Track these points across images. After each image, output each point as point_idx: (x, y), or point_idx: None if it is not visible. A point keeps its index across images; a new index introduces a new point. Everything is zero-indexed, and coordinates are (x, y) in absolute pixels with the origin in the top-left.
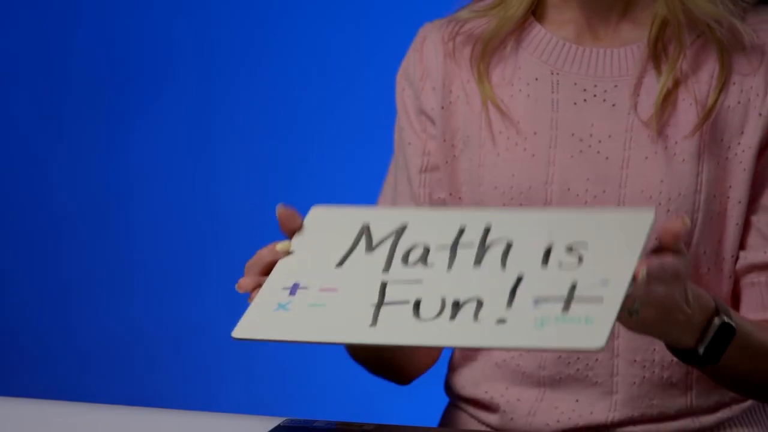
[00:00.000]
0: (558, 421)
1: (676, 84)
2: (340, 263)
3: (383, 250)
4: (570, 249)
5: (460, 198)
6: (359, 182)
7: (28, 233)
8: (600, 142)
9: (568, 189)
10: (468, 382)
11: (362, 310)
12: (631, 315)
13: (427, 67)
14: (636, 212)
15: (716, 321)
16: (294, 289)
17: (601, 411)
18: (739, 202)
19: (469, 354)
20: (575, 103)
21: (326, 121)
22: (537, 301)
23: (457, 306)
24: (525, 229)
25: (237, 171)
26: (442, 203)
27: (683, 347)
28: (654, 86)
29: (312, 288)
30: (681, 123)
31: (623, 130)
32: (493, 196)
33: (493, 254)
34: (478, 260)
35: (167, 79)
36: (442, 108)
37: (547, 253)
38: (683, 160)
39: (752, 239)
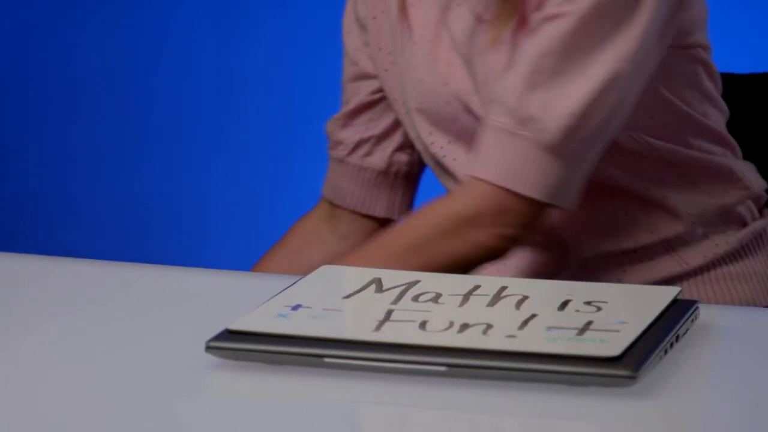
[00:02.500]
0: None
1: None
2: (348, 296)
3: (394, 292)
4: (588, 303)
5: (404, 102)
6: None
7: (43, 102)
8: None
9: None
10: None
11: (365, 322)
12: None
13: None
14: (660, 289)
15: None
16: (296, 307)
17: (572, 254)
18: None
19: None
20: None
21: None
22: (550, 329)
23: (465, 326)
24: (543, 288)
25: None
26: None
27: None
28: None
29: (315, 307)
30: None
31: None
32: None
33: (508, 301)
34: (492, 304)
35: None
36: (374, 18)
37: (564, 304)
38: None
39: None
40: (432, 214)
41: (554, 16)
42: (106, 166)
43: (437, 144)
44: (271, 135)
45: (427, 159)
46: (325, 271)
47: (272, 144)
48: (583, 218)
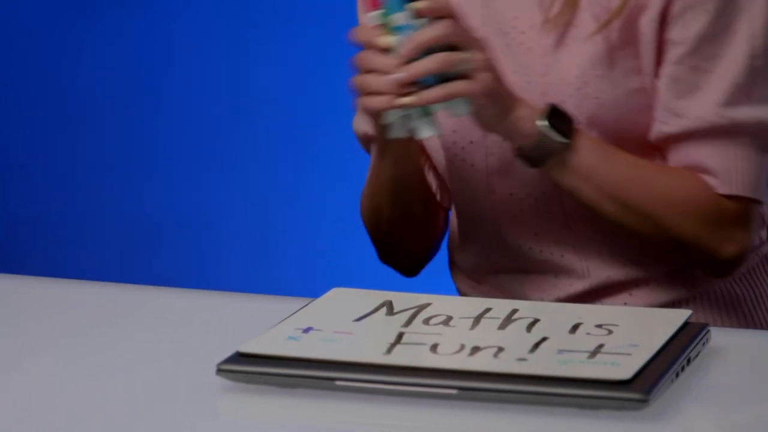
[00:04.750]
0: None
1: None
2: (359, 319)
3: (405, 315)
4: (599, 326)
5: None
6: None
7: (49, 119)
8: (523, 33)
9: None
10: (466, 281)
11: (377, 345)
12: (469, 66)
13: None
14: (671, 312)
15: (547, 104)
16: (308, 330)
17: (579, 283)
18: (649, 74)
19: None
20: None
21: None
22: (561, 352)
23: (476, 349)
24: (554, 311)
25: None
26: None
27: (528, 131)
28: None
29: (326, 330)
30: (587, 6)
31: (540, 21)
32: None
33: (519, 324)
34: (503, 327)
35: None
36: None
37: (575, 327)
38: (593, 40)
39: (656, 110)
40: (702, 194)
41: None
42: (112, 185)
43: (458, 144)
44: (280, 152)
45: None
46: (336, 293)
47: (282, 161)
48: (595, 245)
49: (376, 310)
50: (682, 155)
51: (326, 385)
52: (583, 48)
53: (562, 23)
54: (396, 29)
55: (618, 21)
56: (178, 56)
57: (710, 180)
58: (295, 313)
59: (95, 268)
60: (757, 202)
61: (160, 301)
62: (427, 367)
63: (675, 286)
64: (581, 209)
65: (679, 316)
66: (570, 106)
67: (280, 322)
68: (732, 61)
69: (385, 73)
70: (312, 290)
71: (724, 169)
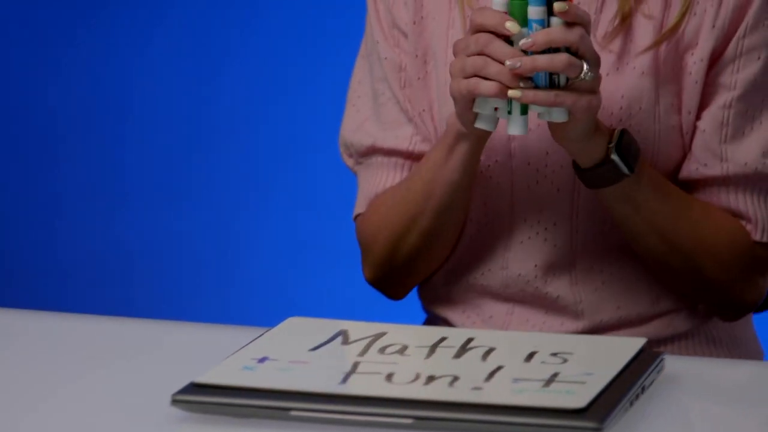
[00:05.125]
0: None
1: (634, 1)
2: (314, 349)
3: (360, 344)
4: (554, 354)
5: (432, 116)
6: None
7: (19, 147)
8: None
9: None
10: (434, 299)
11: (332, 374)
12: (584, 78)
13: None
14: (626, 340)
15: (618, 129)
16: (263, 360)
17: (570, 321)
18: (689, 112)
19: (436, 281)
20: None
21: None
22: (516, 381)
23: (432, 378)
24: (509, 340)
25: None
26: (420, 118)
27: (597, 155)
28: (612, 4)
29: (282, 360)
30: (638, 39)
31: None
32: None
33: (474, 353)
34: (458, 355)
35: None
36: (414, 23)
37: (531, 355)
38: (642, 73)
39: (696, 150)
40: (736, 235)
41: None
42: (69, 214)
43: (485, 162)
44: (239, 181)
45: None
46: (292, 323)
47: (239, 190)
48: (595, 285)
49: (332, 339)
50: (718, 198)
51: (281, 415)
52: (631, 79)
53: (615, 51)
54: (527, 21)
55: (666, 57)
56: (140, 87)
57: (747, 226)
58: (250, 342)
59: (51, 298)
60: None
61: (115, 331)
62: (382, 396)
63: (657, 327)
64: (591, 245)
65: (634, 344)
66: None
67: (235, 352)
68: None
69: (502, 62)
70: (268, 319)
71: (761, 218)
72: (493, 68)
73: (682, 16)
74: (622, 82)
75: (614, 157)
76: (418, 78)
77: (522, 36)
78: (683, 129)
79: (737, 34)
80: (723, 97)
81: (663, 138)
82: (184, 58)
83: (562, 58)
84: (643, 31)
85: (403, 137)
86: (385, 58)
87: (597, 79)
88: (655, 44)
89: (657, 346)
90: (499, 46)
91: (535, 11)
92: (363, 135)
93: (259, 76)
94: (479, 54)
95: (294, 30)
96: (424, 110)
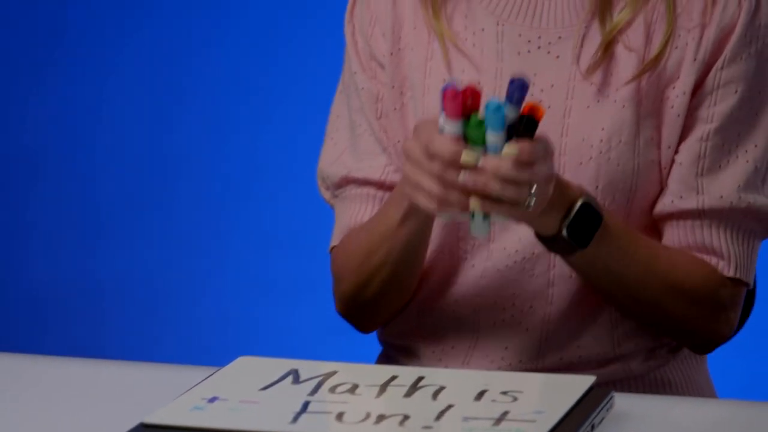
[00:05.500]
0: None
1: (615, 35)
2: (265, 388)
3: (311, 383)
4: (505, 393)
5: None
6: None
7: None
8: (542, 91)
9: None
10: (402, 330)
11: (282, 414)
12: (528, 208)
13: (376, 13)
14: (576, 378)
15: (579, 201)
16: (213, 399)
17: (529, 359)
18: (669, 147)
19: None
20: (519, 54)
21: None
22: (466, 419)
23: (382, 417)
24: (459, 378)
25: (193, 128)
26: (395, 149)
27: (550, 231)
28: (595, 36)
29: (232, 399)
30: (621, 71)
31: (565, 80)
32: None
33: (425, 391)
34: (409, 394)
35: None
36: (392, 54)
37: (481, 394)
38: (623, 106)
39: (672, 183)
40: (700, 272)
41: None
42: (14, 251)
43: None
44: (184, 217)
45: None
46: (242, 362)
47: (185, 227)
48: (570, 324)
49: (283, 378)
50: (692, 232)
51: None
52: (612, 112)
53: (597, 83)
54: (481, 144)
55: (648, 90)
56: (101, 123)
57: (720, 263)
58: (200, 382)
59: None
60: (749, 286)
61: (64, 371)
62: None
63: (615, 369)
64: (567, 283)
65: (584, 382)
66: (589, 169)
67: (185, 392)
68: (754, 145)
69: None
70: (218, 359)
71: (733, 254)
72: (453, 197)
73: (664, 45)
74: (603, 115)
75: (565, 234)
76: (395, 109)
77: (479, 158)
78: (662, 163)
79: (715, 66)
80: (700, 130)
81: (642, 172)
82: (146, 96)
83: (511, 190)
84: (625, 64)
85: (377, 167)
86: (363, 89)
87: (544, 196)
88: (638, 75)
89: (610, 387)
90: (453, 178)
91: (492, 137)
92: (339, 167)
93: (221, 108)
94: (437, 176)
95: (253, 70)
96: (399, 141)
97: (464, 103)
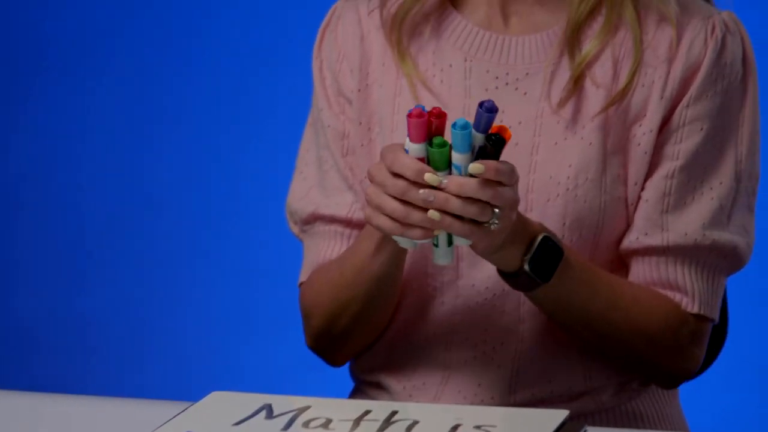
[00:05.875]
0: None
1: (583, 70)
2: (238, 423)
3: (284, 418)
4: (478, 427)
5: None
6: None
7: None
8: (510, 128)
9: None
10: (373, 365)
11: None
12: (491, 226)
13: (344, 49)
14: (548, 412)
15: (540, 236)
16: None
17: (501, 395)
18: (635, 183)
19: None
20: (486, 90)
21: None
22: None
23: None
24: (433, 413)
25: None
26: (361, 186)
27: (512, 266)
28: (564, 72)
29: None
30: (589, 108)
31: (533, 117)
32: None
33: (398, 426)
34: (382, 429)
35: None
36: (359, 90)
37: (455, 428)
38: (590, 144)
39: (638, 220)
40: (662, 310)
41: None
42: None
43: None
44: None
45: None
46: (216, 397)
47: (159, 259)
48: (540, 360)
49: (256, 413)
50: (657, 268)
51: None
52: (579, 149)
53: (566, 118)
54: (447, 165)
55: (615, 128)
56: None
57: (683, 299)
58: (173, 417)
59: None
60: (714, 322)
61: (34, 408)
62: None
63: (587, 402)
64: (537, 318)
65: (556, 416)
66: (557, 206)
67: (157, 428)
68: (719, 182)
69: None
70: (191, 394)
71: (698, 290)
72: (415, 216)
73: (632, 76)
74: (571, 152)
75: (527, 268)
76: (362, 145)
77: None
78: (628, 200)
79: (681, 104)
80: (666, 167)
81: (609, 209)
82: (128, 130)
83: (474, 209)
84: (593, 101)
85: (343, 204)
86: (329, 126)
87: (507, 220)
88: (606, 108)
89: (582, 420)
90: (416, 196)
91: (458, 157)
92: (307, 203)
93: (202, 142)
94: (399, 198)
95: (223, 109)
96: (366, 177)
97: (429, 125)
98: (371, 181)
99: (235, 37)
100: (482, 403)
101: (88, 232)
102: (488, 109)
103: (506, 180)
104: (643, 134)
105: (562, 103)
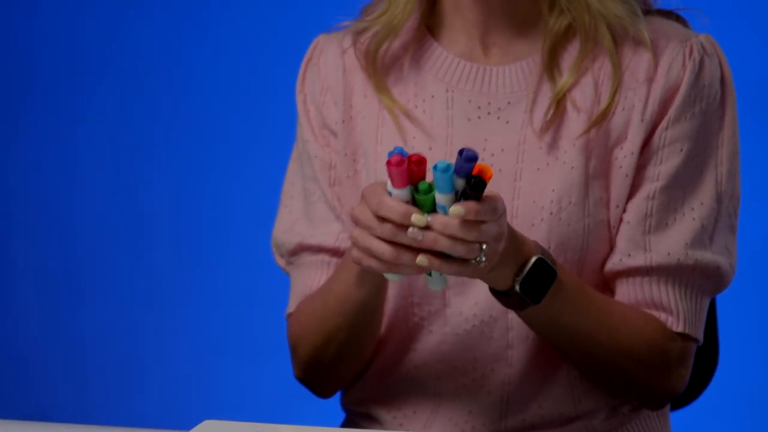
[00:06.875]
0: None
1: (564, 95)
2: None
3: None
4: None
5: None
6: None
7: None
8: (493, 155)
9: None
10: (362, 397)
11: None
12: (479, 264)
13: (327, 82)
14: None
15: (533, 258)
16: None
17: (492, 421)
18: (618, 206)
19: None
20: (469, 120)
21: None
22: None
23: None
24: None
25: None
26: (348, 215)
27: (503, 286)
28: (546, 98)
29: None
30: (571, 132)
31: (515, 144)
32: None
33: None
34: None
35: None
36: (344, 122)
37: None
38: (572, 168)
39: (621, 241)
40: (648, 330)
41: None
42: None
43: None
44: (149, 279)
45: None
46: (207, 426)
47: (150, 287)
48: (528, 386)
49: None
50: (641, 288)
51: None
52: (562, 174)
53: (548, 142)
54: (430, 212)
55: (596, 152)
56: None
57: (669, 318)
58: None
59: None
60: (698, 342)
61: None
62: None
63: (578, 427)
64: (526, 344)
65: None
66: (541, 231)
67: None
68: (700, 203)
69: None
70: (183, 422)
71: (682, 310)
72: (405, 258)
73: (612, 97)
74: (553, 177)
75: (518, 289)
76: (348, 176)
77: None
78: (611, 222)
79: (661, 126)
80: (647, 189)
81: (592, 232)
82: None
83: (461, 248)
84: (575, 125)
85: (330, 234)
86: (315, 157)
87: (493, 255)
88: (588, 129)
89: None
90: (405, 239)
91: (441, 198)
92: (293, 235)
93: (192, 168)
94: (388, 240)
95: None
96: (353, 208)
97: (410, 171)
98: (356, 224)
99: (233, 41)
100: (473, 430)
101: (81, 260)
102: (467, 159)
103: (488, 218)
104: (625, 157)
105: (544, 129)
